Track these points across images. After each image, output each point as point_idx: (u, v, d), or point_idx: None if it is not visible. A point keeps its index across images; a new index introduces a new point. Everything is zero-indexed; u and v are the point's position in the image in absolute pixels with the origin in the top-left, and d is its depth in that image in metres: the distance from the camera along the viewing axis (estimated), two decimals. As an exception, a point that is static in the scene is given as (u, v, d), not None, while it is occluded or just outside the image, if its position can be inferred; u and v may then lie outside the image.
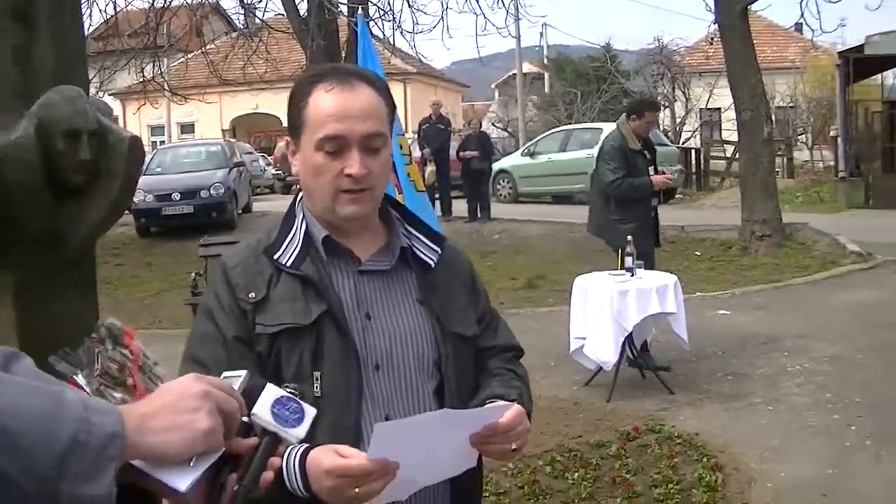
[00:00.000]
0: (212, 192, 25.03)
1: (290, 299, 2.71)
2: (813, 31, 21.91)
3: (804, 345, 11.72)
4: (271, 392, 1.99)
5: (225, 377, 1.99)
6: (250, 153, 40.87)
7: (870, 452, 8.17)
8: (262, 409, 1.96)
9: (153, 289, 19.56)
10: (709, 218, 24.16)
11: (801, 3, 19.73)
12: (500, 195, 30.82)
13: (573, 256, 19.89)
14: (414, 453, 2.40)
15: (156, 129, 50.97)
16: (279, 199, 35.54)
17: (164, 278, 20.35)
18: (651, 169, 11.28)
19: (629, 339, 9.93)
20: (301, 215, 2.86)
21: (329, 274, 2.77)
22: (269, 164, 43.21)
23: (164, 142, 44.35)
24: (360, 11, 10.58)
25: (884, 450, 8.17)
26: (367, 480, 2.36)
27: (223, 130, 54.20)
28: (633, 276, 9.95)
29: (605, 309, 9.59)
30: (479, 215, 24.50)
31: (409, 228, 2.94)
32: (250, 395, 1.95)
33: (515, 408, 2.61)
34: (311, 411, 2.02)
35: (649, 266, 10.90)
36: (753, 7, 20.42)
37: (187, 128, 57.10)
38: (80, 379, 4.97)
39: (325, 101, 2.72)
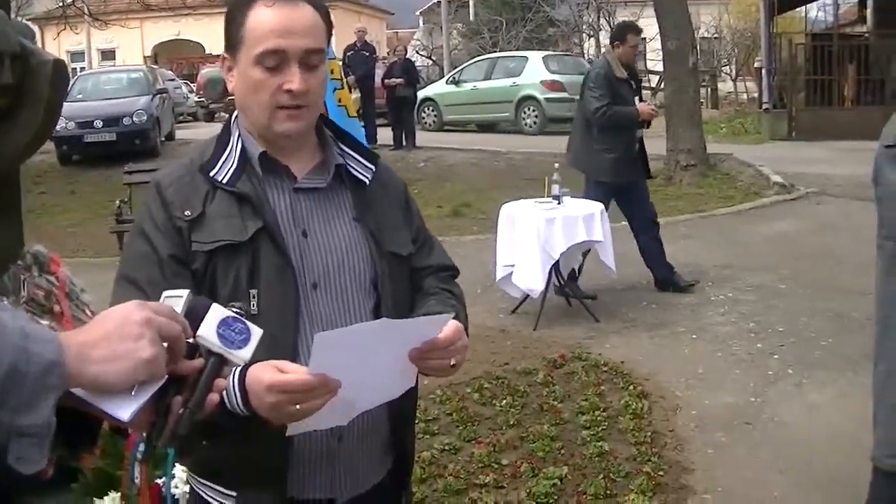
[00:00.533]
0: (134, 119, 24.63)
1: (225, 216, 2.66)
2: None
3: (728, 274, 11.83)
4: (217, 312, 1.92)
5: (166, 297, 1.92)
6: (172, 80, 40.40)
7: (791, 381, 8.27)
8: (208, 331, 1.89)
9: (77, 217, 19.36)
10: (633, 147, 24.04)
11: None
12: (426, 123, 30.73)
13: (498, 185, 19.95)
14: (354, 368, 2.36)
15: (76, 56, 50.06)
16: (202, 126, 35.32)
17: (87, 206, 20.16)
18: (637, 99, 11.12)
19: (556, 266, 9.94)
20: (237, 133, 2.80)
21: (265, 191, 2.72)
22: (191, 92, 42.81)
23: (84, 68, 43.51)
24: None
25: (805, 378, 8.28)
26: (309, 397, 2.33)
27: (145, 57, 53.47)
28: (559, 203, 9.94)
29: (532, 237, 9.58)
30: (404, 143, 24.39)
31: (343, 146, 2.89)
32: (194, 314, 1.88)
33: (454, 323, 2.59)
34: (257, 332, 1.96)
35: (642, 198, 11.16)
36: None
37: (108, 54, 56.33)
38: (6, 305, 4.91)
39: (266, 16, 2.65)
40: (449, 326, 2.56)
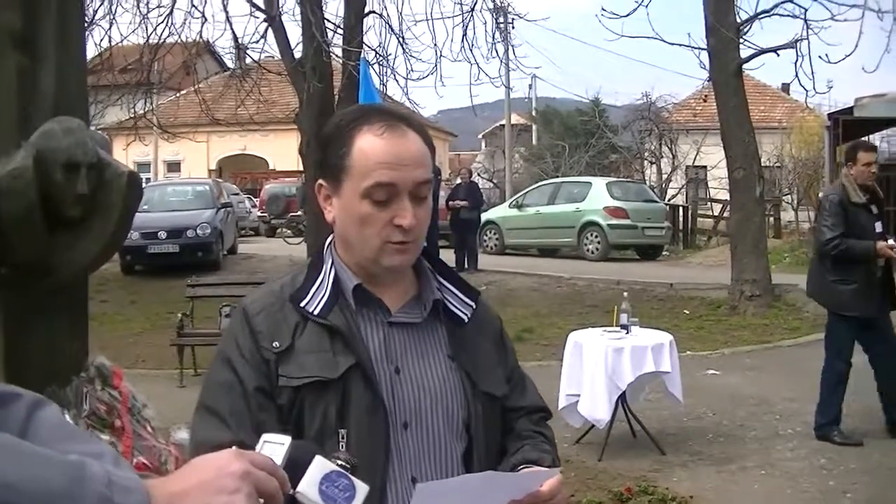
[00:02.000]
0: (198, 231, 24.91)
1: (316, 350, 2.53)
2: (806, 91, 21.90)
3: (796, 408, 11.56)
4: (320, 466, 1.78)
5: (266, 441, 1.79)
6: (237, 194, 40.89)
7: (866, 522, 8.01)
8: (309, 487, 1.75)
9: (137, 327, 19.36)
10: (696, 276, 24.08)
11: (795, 63, 19.64)
12: (487, 246, 30.72)
13: (561, 311, 19.86)
14: None
15: (142, 167, 50.68)
16: (264, 241, 35.62)
17: (147, 317, 20.16)
18: (878, 224, 10.15)
19: (622, 397, 9.74)
20: (330, 261, 2.68)
21: (358, 324, 2.60)
22: (254, 206, 43.21)
23: (150, 179, 44.27)
24: (363, 55, 10.49)
25: (881, 519, 8.03)
26: None
27: (210, 170, 54.21)
28: (627, 333, 9.79)
29: (600, 366, 9.42)
30: (466, 266, 24.34)
31: (442, 280, 2.77)
32: (295, 463, 1.75)
33: (557, 476, 2.46)
34: (362, 488, 1.81)
35: (886, 334, 10.23)
36: (746, 66, 20.38)
37: (174, 166, 57.06)
38: (68, 418, 4.80)
39: (376, 146, 2.53)
40: (552, 479, 2.44)
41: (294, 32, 19.87)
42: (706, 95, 28.21)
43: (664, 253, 31.61)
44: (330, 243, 2.73)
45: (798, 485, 8.91)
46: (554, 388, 9.83)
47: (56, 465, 1.41)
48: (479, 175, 51.49)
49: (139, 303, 21.94)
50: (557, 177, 39.78)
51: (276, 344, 2.53)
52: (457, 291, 2.76)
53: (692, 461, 9.66)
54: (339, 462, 1.81)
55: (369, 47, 19.35)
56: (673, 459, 9.68)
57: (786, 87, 49.82)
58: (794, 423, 10.93)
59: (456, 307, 2.73)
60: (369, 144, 2.53)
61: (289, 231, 34.85)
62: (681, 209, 38.38)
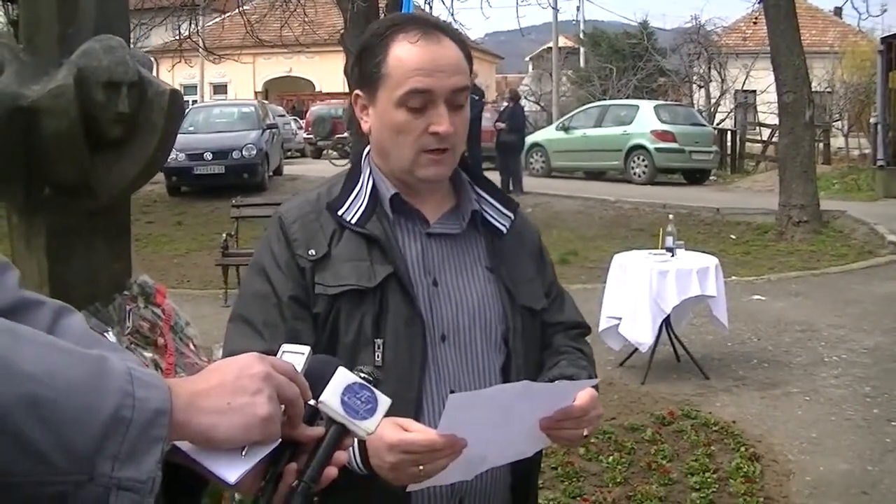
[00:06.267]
0: (244, 153, 25.00)
1: (353, 259, 2.52)
2: (860, 14, 21.60)
3: (842, 335, 11.51)
4: (342, 378, 1.76)
5: (285, 352, 1.77)
6: (283, 116, 40.91)
7: (912, 450, 7.97)
8: (331, 397, 1.73)
9: (182, 248, 19.50)
10: (743, 201, 23.96)
11: (849, -14, 19.38)
12: (533, 169, 30.67)
13: (606, 234, 19.85)
14: (484, 428, 2.24)
15: (189, 88, 50.69)
16: (310, 163, 35.71)
17: (193, 238, 20.33)
18: None
19: (667, 321, 9.71)
20: (368, 171, 2.66)
21: (395, 235, 2.58)
22: (300, 128, 43.22)
23: (196, 101, 44.29)
24: (405, -26, 10.37)
25: (926, 448, 7.97)
26: (433, 457, 2.20)
27: (256, 92, 54.18)
28: (673, 255, 9.74)
29: (644, 289, 9.37)
30: (511, 188, 24.21)
31: (480, 191, 2.74)
32: (315, 375, 1.73)
33: (590, 391, 2.43)
34: (384, 401, 1.79)
35: None
36: (798, -12, 20.12)
37: (220, 88, 57.14)
38: (111, 336, 4.84)
39: (411, 53, 2.50)
40: (584, 394, 2.40)
41: (339, -49, 19.77)
42: (756, 18, 27.71)
43: (711, 177, 31.39)
44: (367, 153, 2.71)
45: (842, 412, 8.87)
46: (598, 310, 9.81)
47: (77, 358, 1.40)
48: (525, 98, 51.22)
49: (185, 224, 22.13)
50: (605, 100, 39.49)
51: (312, 252, 2.53)
52: (495, 203, 2.74)
53: (736, 386, 9.64)
54: (363, 374, 1.78)
55: (414, -33, 19.23)
56: (716, 384, 9.66)
57: (838, 11, 49.02)
58: (840, 350, 10.87)
59: (494, 218, 2.71)
60: (405, 52, 2.51)
61: (335, 153, 34.89)
62: (729, 133, 38.05)
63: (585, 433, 2.45)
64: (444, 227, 2.66)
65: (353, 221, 2.56)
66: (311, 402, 1.69)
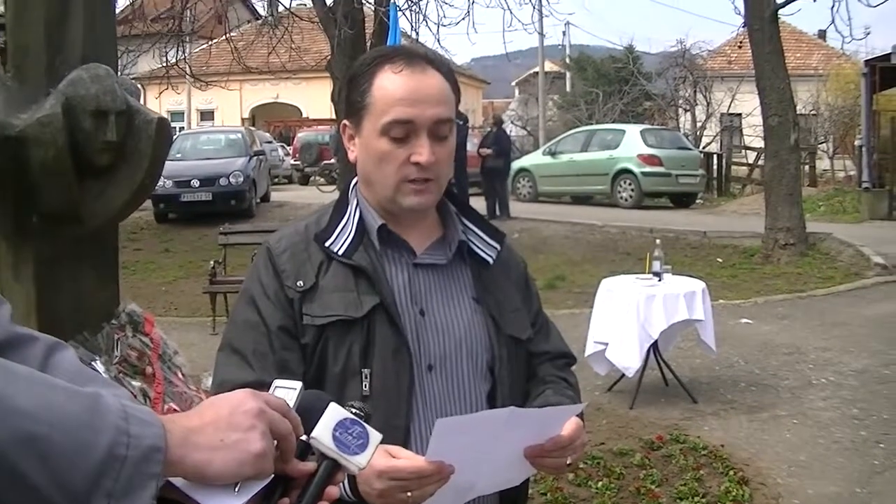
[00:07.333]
0: (231, 180, 25.03)
1: (341, 289, 2.55)
2: (843, 37, 21.74)
3: (829, 357, 11.53)
4: (334, 413, 1.78)
5: (277, 387, 1.78)
6: (270, 142, 40.98)
7: (899, 472, 7.98)
8: (323, 433, 1.75)
9: (170, 275, 19.46)
10: (730, 224, 24.02)
11: (832, 8, 19.46)
12: (521, 194, 30.74)
13: (593, 258, 19.87)
14: (472, 455, 2.26)
15: (176, 115, 50.77)
16: (297, 189, 35.73)
17: (181, 265, 20.30)
18: None
19: (654, 345, 9.72)
20: (355, 202, 2.69)
21: (382, 265, 2.61)
22: (287, 155, 43.29)
23: (183, 128, 44.35)
24: (393, 1, 10.41)
25: (914, 469, 7.99)
26: (422, 484, 2.22)
27: (243, 119, 54.21)
28: (660, 280, 9.76)
29: (631, 313, 9.38)
30: (497, 213, 24.25)
31: (467, 222, 2.76)
32: (307, 410, 1.75)
33: (576, 420, 2.46)
34: (376, 437, 1.81)
35: None
36: (782, 12, 20.18)
37: (207, 115, 57.12)
38: (99, 365, 4.84)
39: (394, 83, 2.53)
40: (571, 423, 2.43)
41: (325, -22, 19.81)
42: (741, 42, 27.91)
43: (698, 201, 31.50)
44: (355, 184, 2.74)
45: (830, 434, 8.89)
46: (585, 335, 9.82)
47: (72, 396, 1.41)
48: (512, 123, 51.32)
49: (172, 251, 22.10)
50: (591, 124, 39.61)
51: (300, 283, 2.56)
52: (482, 234, 2.76)
53: (724, 410, 9.64)
54: (354, 410, 1.80)
55: (400, -7, 19.26)
56: (704, 408, 9.67)
57: (822, 34, 49.41)
58: (827, 372, 10.90)
59: (481, 249, 2.74)
60: (389, 82, 2.54)
61: (322, 179, 34.89)
62: (715, 157, 38.17)
63: (569, 462, 2.48)
64: (430, 258, 2.68)
65: (341, 252, 2.59)
66: (303, 437, 1.71)
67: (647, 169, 28.76)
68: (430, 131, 2.53)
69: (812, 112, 43.37)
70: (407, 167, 2.53)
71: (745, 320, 13.76)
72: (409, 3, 19.22)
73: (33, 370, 1.46)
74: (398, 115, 2.50)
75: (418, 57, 2.61)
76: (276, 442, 1.61)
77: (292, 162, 42.29)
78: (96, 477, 1.37)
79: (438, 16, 19.62)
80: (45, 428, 1.34)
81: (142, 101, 4.82)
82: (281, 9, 21.95)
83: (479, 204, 24.42)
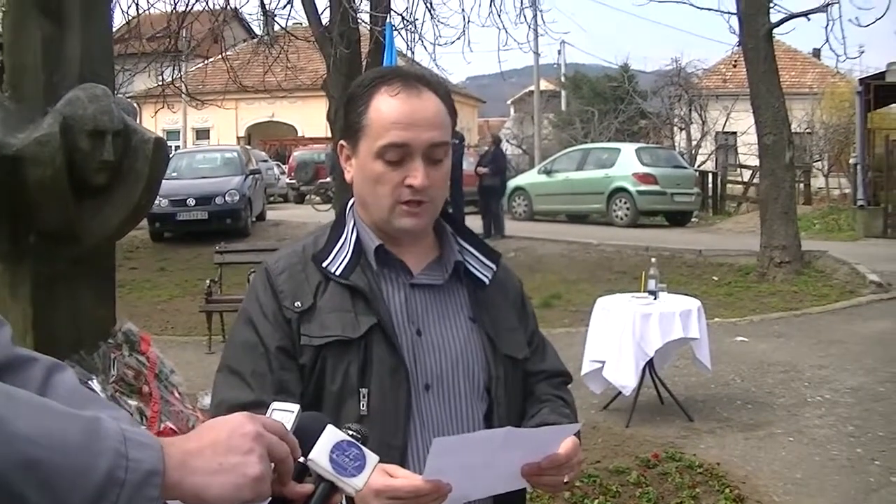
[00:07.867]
0: (227, 198, 25.07)
1: (338, 310, 2.56)
2: (837, 56, 21.79)
3: (825, 375, 11.54)
4: (331, 436, 1.79)
5: (275, 409, 1.80)
6: (265, 161, 41.02)
7: (894, 489, 7.97)
8: (320, 455, 1.77)
9: (166, 294, 19.44)
10: (725, 242, 24.02)
11: (826, 27, 19.51)
12: (516, 212, 30.74)
13: (589, 277, 19.85)
14: (468, 474, 2.26)
15: (171, 134, 50.83)
16: (293, 208, 35.69)
17: (177, 284, 20.28)
18: None
19: (650, 364, 9.72)
20: (352, 223, 2.70)
21: (379, 285, 2.62)
22: (283, 173, 43.29)
23: (179, 147, 44.37)
24: (389, 20, 10.43)
25: (909, 487, 7.99)
26: (418, 503, 2.22)
27: (238, 137, 54.19)
28: (655, 299, 9.77)
29: (627, 332, 9.39)
30: (492, 232, 24.29)
31: (463, 242, 2.78)
32: (304, 432, 1.76)
33: (573, 439, 2.47)
34: (372, 459, 1.83)
35: None
36: (776, 31, 20.23)
37: (203, 133, 57.16)
38: (95, 384, 4.84)
39: (390, 106, 2.55)
40: (567, 442, 2.44)
41: (321, -2, 19.81)
42: (736, 61, 27.95)
43: (693, 219, 31.53)
44: (352, 205, 2.75)
45: (826, 452, 8.89)
46: (581, 354, 9.83)
47: (72, 420, 1.43)
48: (507, 141, 51.32)
49: (168, 270, 22.07)
50: (586, 143, 39.62)
51: (298, 304, 2.56)
52: (478, 254, 2.78)
53: (720, 428, 9.64)
54: (351, 432, 1.82)
55: (396, 12, 19.25)
56: (700, 426, 9.66)
57: (816, 53, 49.57)
58: (823, 390, 10.90)
59: (477, 269, 2.75)
60: (385, 104, 2.55)
61: (317, 198, 34.88)
62: (710, 175, 38.24)
63: (566, 480, 2.48)
64: (427, 278, 2.69)
65: (338, 273, 2.60)
66: (301, 459, 1.72)
67: (643, 187, 28.78)
68: (425, 155, 2.54)
69: (807, 130, 43.51)
70: (401, 189, 2.55)
71: (740, 338, 13.77)
72: (405, 22, 19.25)
73: (33, 394, 1.47)
74: (393, 139, 2.52)
75: (415, 79, 2.62)
76: (273, 464, 1.62)
77: (288, 180, 42.30)
78: (95, 500, 1.38)
79: (434, 35, 19.65)
80: (45, 452, 1.35)
81: (138, 121, 4.83)
82: (277, 28, 21.93)
83: (475, 223, 24.47)
